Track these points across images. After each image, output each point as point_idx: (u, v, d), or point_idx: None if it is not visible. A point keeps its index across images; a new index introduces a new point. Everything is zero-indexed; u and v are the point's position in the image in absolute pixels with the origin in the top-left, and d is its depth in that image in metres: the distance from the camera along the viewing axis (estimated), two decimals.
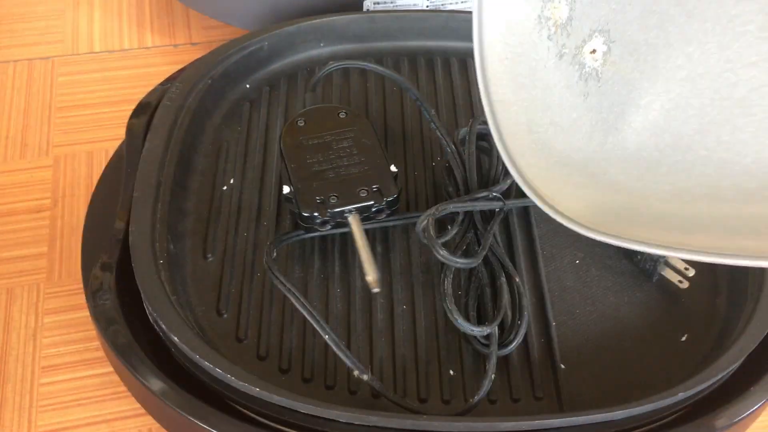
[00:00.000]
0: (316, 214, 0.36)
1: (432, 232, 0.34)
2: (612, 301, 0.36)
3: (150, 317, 0.34)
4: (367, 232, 0.37)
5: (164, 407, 0.32)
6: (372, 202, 0.36)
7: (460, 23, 0.47)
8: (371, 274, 0.34)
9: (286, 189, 0.37)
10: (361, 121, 0.39)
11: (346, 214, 0.36)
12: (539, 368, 0.34)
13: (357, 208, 0.36)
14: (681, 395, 0.31)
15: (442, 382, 0.33)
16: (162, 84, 0.44)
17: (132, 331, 0.34)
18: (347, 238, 0.38)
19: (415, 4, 0.52)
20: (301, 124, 0.39)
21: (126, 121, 0.52)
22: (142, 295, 0.34)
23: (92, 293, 0.34)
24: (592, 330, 0.35)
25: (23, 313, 0.42)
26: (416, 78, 0.46)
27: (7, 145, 0.50)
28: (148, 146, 0.39)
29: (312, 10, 0.50)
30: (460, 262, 0.34)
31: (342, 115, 0.40)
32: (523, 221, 0.39)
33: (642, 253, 0.37)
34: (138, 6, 0.60)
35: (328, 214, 0.36)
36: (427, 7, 0.52)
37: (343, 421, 0.31)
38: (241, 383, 0.31)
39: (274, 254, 0.36)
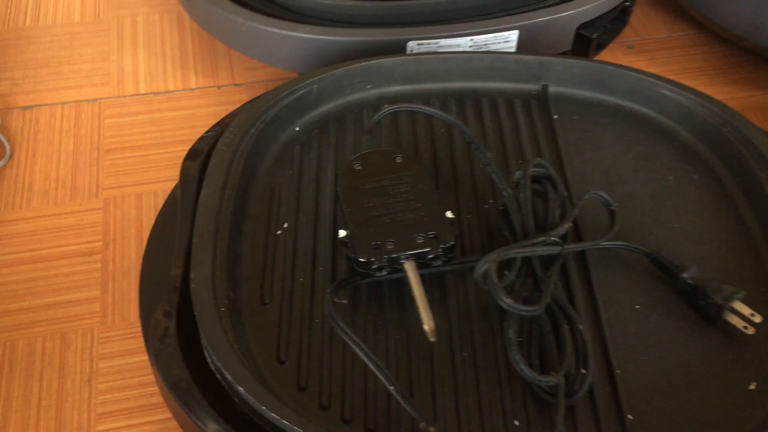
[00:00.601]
0: (372, 259, 0.36)
1: (495, 278, 0.34)
2: (676, 348, 0.36)
3: (212, 366, 0.34)
4: (423, 277, 0.36)
5: None
6: (428, 249, 0.36)
7: (507, 64, 0.48)
8: (428, 324, 0.34)
9: (342, 233, 0.37)
10: (417, 166, 0.39)
11: (402, 261, 0.36)
12: (606, 418, 0.33)
13: (413, 255, 0.36)
14: None
15: None
16: (216, 126, 0.45)
17: (192, 378, 0.34)
18: (403, 284, 0.38)
19: (458, 45, 0.52)
20: (357, 167, 0.39)
21: (172, 162, 0.53)
22: (205, 344, 0.34)
23: (156, 339, 0.34)
24: (658, 378, 0.35)
25: (78, 358, 0.42)
26: (464, 120, 0.46)
27: (57, 188, 0.50)
28: (204, 192, 0.39)
29: (355, 53, 0.51)
30: (524, 309, 0.34)
31: (398, 159, 0.40)
32: (581, 266, 0.39)
33: (705, 299, 0.36)
34: (181, 47, 0.61)
35: (384, 259, 0.36)
36: (470, 48, 0.52)
37: None
38: None
39: (335, 301, 0.36)
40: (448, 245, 0.36)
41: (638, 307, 0.37)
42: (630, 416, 0.33)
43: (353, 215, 0.38)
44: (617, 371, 0.35)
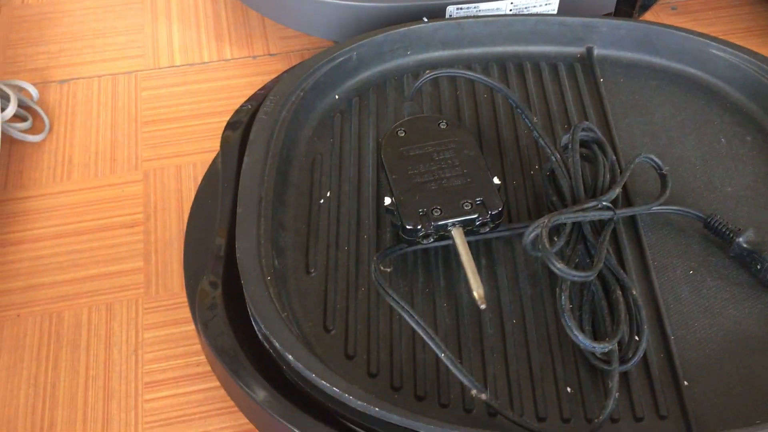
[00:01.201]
0: (419, 226, 0.36)
1: (547, 243, 0.33)
2: (732, 313, 0.35)
3: (259, 334, 0.34)
4: (470, 244, 0.36)
5: (274, 422, 0.32)
6: (476, 216, 0.36)
7: (550, 26, 0.46)
8: (477, 290, 0.33)
9: (387, 200, 0.37)
10: (462, 132, 0.39)
11: (449, 228, 0.36)
12: (661, 386, 0.33)
13: (461, 222, 0.36)
14: None
15: (560, 400, 0.32)
16: (251, 99, 0.44)
17: (239, 345, 0.34)
18: (450, 251, 0.37)
19: (498, 9, 0.51)
20: (401, 134, 0.39)
21: (210, 134, 0.52)
22: (253, 312, 0.34)
23: (205, 308, 0.34)
24: (714, 344, 0.34)
25: (123, 328, 0.42)
26: (507, 85, 0.45)
27: (97, 161, 0.50)
28: (247, 161, 0.39)
29: (393, 19, 0.50)
30: (577, 275, 0.33)
31: (443, 125, 0.39)
32: (631, 231, 0.38)
33: (762, 263, 0.35)
34: (215, 18, 0.60)
35: (431, 227, 0.36)
36: (510, 11, 0.51)
37: None
38: (359, 403, 0.30)
39: (381, 269, 0.35)
40: (496, 211, 0.36)
41: (692, 272, 0.36)
42: (686, 383, 0.33)
43: (398, 182, 0.37)
44: (672, 337, 0.34)
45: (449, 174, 0.37)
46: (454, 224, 0.36)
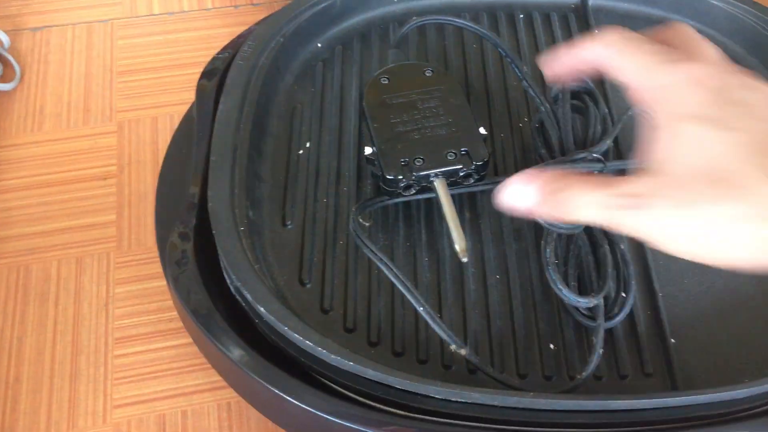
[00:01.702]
0: (400, 177, 0.34)
1: None
2: (722, 270, 0.33)
3: (232, 287, 0.33)
4: (453, 197, 0.34)
5: (246, 378, 0.31)
6: (460, 167, 0.34)
7: None
8: (459, 243, 0.32)
9: (368, 150, 0.35)
10: (448, 80, 0.37)
11: (432, 179, 0.34)
12: (647, 343, 0.31)
13: (444, 172, 0.34)
14: None
15: (542, 357, 0.31)
16: (227, 48, 0.42)
17: (212, 301, 0.32)
18: (432, 204, 0.36)
19: None
20: (384, 81, 0.37)
21: (188, 85, 0.50)
22: (224, 264, 0.32)
23: (172, 263, 0.33)
24: (703, 301, 0.33)
25: (94, 283, 0.40)
26: (497, 34, 0.43)
27: (70, 111, 0.48)
28: (222, 108, 0.37)
29: None
30: (564, 227, 0.32)
31: (428, 73, 0.37)
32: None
33: None
34: None
35: (413, 177, 0.34)
36: None
37: (441, 397, 0.29)
38: (333, 357, 0.29)
39: (360, 221, 0.34)
40: (481, 162, 0.34)
41: None
42: (673, 340, 0.31)
43: (380, 131, 0.35)
44: (660, 294, 0.33)
45: (433, 123, 0.35)
46: (436, 175, 0.34)
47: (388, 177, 0.34)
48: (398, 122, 0.35)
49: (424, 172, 0.34)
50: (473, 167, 0.34)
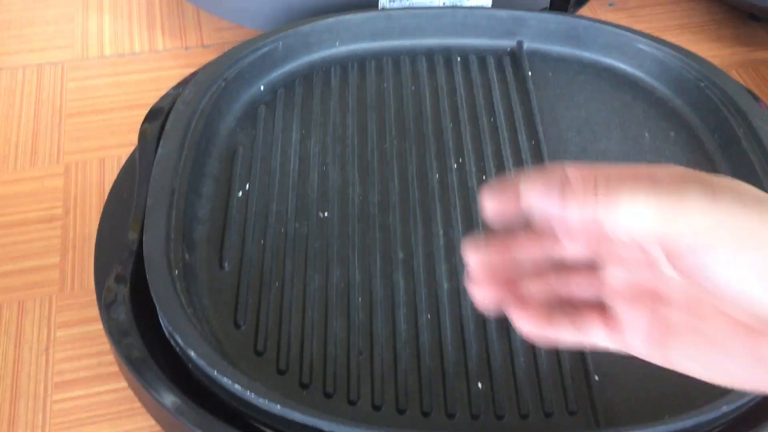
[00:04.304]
0: None
1: None
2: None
3: (165, 330, 0.33)
4: None
5: (179, 425, 0.31)
6: None
7: (479, 19, 0.46)
8: None
9: None
10: None
11: None
12: (572, 380, 0.32)
13: None
14: (724, 408, 0.29)
15: (470, 396, 0.32)
16: (175, 88, 0.43)
17: (146, 345, 0.33)
18: None
19: (431, 2, 0.50)
20: None
21: (137, 126, 0.51)
22: (158, 308, 0.32)
23: (106, 306, 0.33)
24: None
25: (35, 326, 0.40)
26: (434, 77, 0.45)
27: (17, 153, 0.49)
28: (161, 152, 0.38)
29: (326, 9, 0.49)
30: None
31: None
32: None
33: None
34: (148, 8, 0.59)
35: None
36: (444, 4, 0.50)
37: None
38: (261, 400, 0.29)
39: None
40: None
41: None
42: (596, 377, 0.32)
43: None
44: None
45: None
46: None
47: None
48: None
49: None
50: None
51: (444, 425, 0.30)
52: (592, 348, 0.22)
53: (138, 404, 0.37)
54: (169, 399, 0.31)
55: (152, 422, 0.37)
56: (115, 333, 0.33)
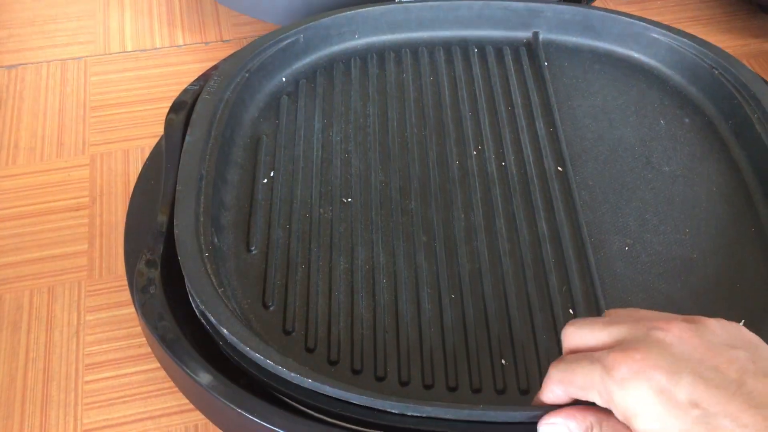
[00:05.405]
0: None
1: None
2: (664, 288, 0.35)
3: (197, 311, 0.34)
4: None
5: (213, 401, 0.32)
6: None
7: (495, 11, 0.47)
8: None
9: None
10: None
11: None
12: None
13: None
14: None
15: (494, 372, 0.33)
16: (199, 79, 0.44)
17: (179, 326, 0.34)
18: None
19: None
20: None
21: (160, 118, 0.52)
22: (190, 289, 0.33)
23: (139, 290, 0.34)
24: None
25: (65, 311, 0.41)
26: (452, 68, 0.46)
27: (44, 145, 0.50)
28: (189, 139, 0.39)
29: (343, 3, 0.50)
30: None
31: None
32: (571, 208, 0.38)
33: None
34: (168, 4, 0.60)
35: None
36: None
37: (397, 411, 0.30)
38: (292, 375, 0.30)
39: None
40: None
41: (627, 249, 0.37)
42: None
43: None
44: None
45: None
46: None
47: None
48: None
49: None
50: None
51: (470, 399, 0.31)
52: None
53: (166, 384, 0.38)
54: (206, 378, 0.32)
55: (180, 401, 0.38)
56: (148, 315, 0.34)
